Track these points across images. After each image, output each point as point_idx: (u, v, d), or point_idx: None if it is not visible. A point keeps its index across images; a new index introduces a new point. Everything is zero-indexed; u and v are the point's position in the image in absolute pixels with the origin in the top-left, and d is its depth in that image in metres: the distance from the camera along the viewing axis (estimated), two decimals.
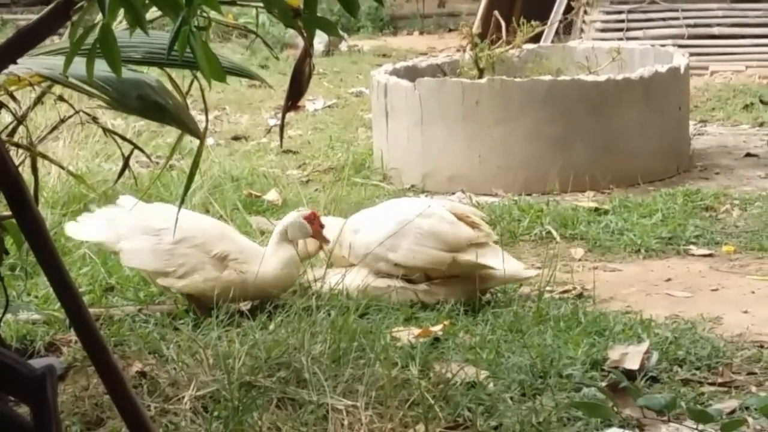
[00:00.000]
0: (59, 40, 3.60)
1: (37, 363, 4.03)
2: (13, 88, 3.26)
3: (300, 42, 3.22)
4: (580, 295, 5.29)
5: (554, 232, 6.36)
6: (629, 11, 12.36)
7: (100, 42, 2.32)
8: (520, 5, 12.79)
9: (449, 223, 5.11)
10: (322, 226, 5.06)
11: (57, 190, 6.68)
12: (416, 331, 4.61)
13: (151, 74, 3.48)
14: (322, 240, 5.10)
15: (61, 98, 3.95)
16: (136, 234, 4.91)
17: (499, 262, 5.06)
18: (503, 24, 8.57)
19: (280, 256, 4.94)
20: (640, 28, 12.28)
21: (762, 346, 4.58)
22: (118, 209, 5.08)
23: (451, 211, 5.19)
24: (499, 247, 5.22)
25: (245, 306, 4.90)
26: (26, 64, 3.03)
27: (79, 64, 2.48)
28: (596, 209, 6.76)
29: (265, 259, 4.91)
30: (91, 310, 3.47)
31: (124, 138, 4.04)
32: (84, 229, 5.06)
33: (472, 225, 5.14)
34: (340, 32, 2.80)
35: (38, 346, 4.57)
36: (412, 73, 8.27)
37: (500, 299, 5.19)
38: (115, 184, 4.75)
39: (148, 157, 5.19)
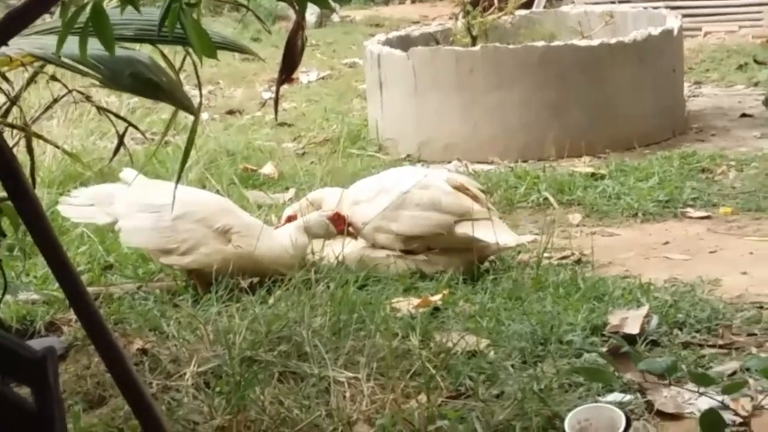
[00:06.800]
0: (51, 19, 3.58)
1: (37, 343, 4.05)
2: (5, 68, 3.25)
3: (292, 14, 3.21)
4: (578, 261, 5.29)
5: (551, 199, 6.35)
6: None
7: (92, 21, 2.31)
8: None
9: (448, 194, 5.11)
10: (348, 226, 5.04)
11: (53, 170, 6.68)
12: (416, 301, 4.60)
13: (143, 51, 3.47)
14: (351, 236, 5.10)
15: (54, 77, 3.93)
16: (135, 212, 4.88)
17: (492, 234, 5.04)
18: None
19: (296, 239, 4.92)
20: None
21: (761, 307, 4.57)
22: (112, 186, 5.05)
23: (449, 182, 5.19)
24: (495, 218, 5.20)
25: (245, 281, 4.90)
26: (18, 44, 3.01)
27: (71, 43, 2.46)
28: (593, 174, 6.76)
29: (278, 237, 4.91)
30: (90, 289, 3.48)
31: (118, 116, 4.02)
32: (77, 210, 5.02)
33: (473, 198, 5.14)
34: (332, 3, 2.77)
35: (38, 326, 4.57)
36: (405, 43, 8.26)
37: (499, 267, 5.18)
38: (110, 162, 4.73)
39: (143, 134, 5.18)
